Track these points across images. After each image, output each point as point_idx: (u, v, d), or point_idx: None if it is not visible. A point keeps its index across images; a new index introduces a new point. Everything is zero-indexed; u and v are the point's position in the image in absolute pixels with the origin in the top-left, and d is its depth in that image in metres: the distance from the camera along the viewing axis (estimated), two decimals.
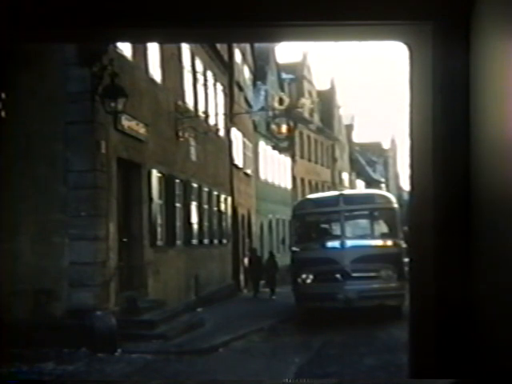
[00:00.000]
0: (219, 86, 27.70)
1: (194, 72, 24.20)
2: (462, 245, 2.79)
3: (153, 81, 19.97)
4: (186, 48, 22.80)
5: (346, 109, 68.69)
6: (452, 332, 2.78)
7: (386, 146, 68.99)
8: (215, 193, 26.19)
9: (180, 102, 22.22)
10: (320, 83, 52.48)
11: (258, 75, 37.52)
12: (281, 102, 38.03)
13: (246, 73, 34.09)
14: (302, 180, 46.03)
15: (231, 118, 29.05)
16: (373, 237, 20.37)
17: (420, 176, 2.88)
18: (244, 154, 32.04)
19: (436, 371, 2.77)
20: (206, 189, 24.85)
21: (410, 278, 2.97)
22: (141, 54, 19.02)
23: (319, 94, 50.79)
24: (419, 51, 2.86)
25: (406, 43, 2.89)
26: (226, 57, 28.81)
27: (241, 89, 31.52)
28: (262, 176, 37.56)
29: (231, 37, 4.35)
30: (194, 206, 23.42)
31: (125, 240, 17.73)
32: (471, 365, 2.73)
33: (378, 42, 3.09)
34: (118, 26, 2.90)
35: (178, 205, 21.85)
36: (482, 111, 2.74)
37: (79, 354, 14.18)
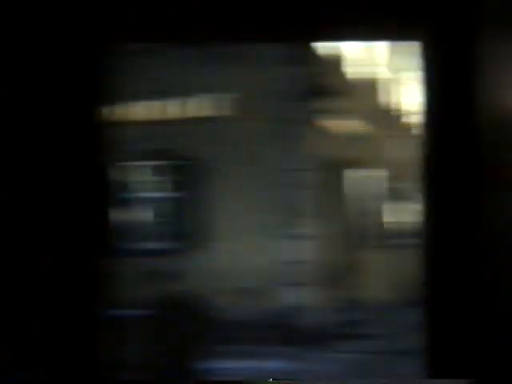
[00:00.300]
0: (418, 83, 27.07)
1: (400, 70, 23.90)
2: (462, 244, 2.75)
3: (361, 79, 19.82)
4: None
5: None
6: (452, 332, 2.75)
7: None
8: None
9: (388, 100, 22.03)
10: None
11: None
12: None
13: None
14: None
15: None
16: None
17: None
18: None
19: (437, 371, 2.75)
20: (415, 188, 24.38)
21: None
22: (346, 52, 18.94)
23: None
24: (420, 51, 2.85)
25: (407, 43, 2.90)
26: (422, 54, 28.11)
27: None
28: None
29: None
30: (406, 205, 23.11)
31: (336, 238, 17.80)
32: (471, 365, 2.69)
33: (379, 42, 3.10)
34: None
35: (387, 203, 21.68)
36: (483, 110, 2.70)
37: (290, 351, 14.40)
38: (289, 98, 16.14)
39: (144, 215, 16.64)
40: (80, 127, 3.23)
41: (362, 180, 21.05)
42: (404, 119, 22.05)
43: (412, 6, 2.84)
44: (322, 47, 16.32)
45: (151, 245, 16.32)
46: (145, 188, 16.74)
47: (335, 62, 17.20)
